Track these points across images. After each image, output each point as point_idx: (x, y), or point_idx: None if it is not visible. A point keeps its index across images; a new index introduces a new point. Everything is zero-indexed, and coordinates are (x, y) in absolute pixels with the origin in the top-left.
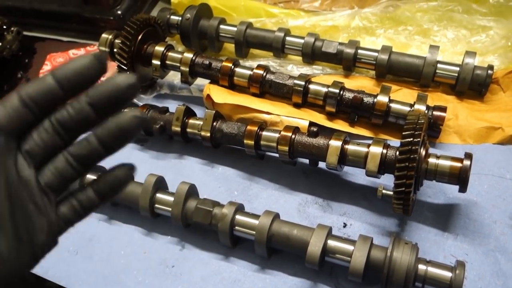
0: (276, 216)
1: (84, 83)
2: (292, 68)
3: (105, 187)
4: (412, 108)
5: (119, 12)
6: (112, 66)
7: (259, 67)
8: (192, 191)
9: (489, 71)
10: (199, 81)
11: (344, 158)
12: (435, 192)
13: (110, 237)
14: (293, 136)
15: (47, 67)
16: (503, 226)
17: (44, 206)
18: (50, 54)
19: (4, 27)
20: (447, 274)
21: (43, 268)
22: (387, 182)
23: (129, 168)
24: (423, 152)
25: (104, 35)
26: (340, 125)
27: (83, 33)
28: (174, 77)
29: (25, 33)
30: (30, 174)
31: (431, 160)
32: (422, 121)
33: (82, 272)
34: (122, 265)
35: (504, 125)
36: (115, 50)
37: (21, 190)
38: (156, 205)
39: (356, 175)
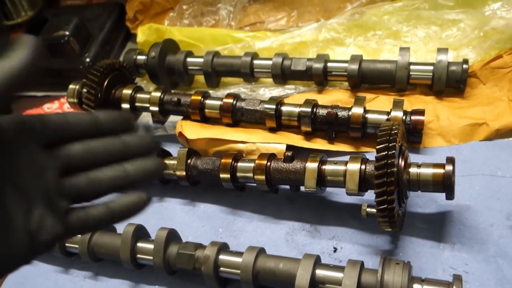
0: (261, 251)
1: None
2: (264, 91)
3: (118, 208)
4: (389, 116)
5: (87, 59)
6: None
7: (228, 96)
8: (172, 236)
9: (464, 66)
10: (174, 118)
11: (323, 179)
12: (425, 202)
13: None
14: (268, 164)
15: None
16: (501, 229)
17: (57, 207)
18: (25, 112)
19: None
20: None
21: None
22: (373, 197)
23: (146, 196)
24: (402, 163)
25: (71, 86)
26: (319, 144)
27: (56, 86)
28: (148, 117)
29: None
30: (53, 173)
31: (412, 170)
32: (396, 130)
33: None
34: None
35: (488, 120)
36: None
37: (41, 181)
38: (139, 256)
39: (342, 195)
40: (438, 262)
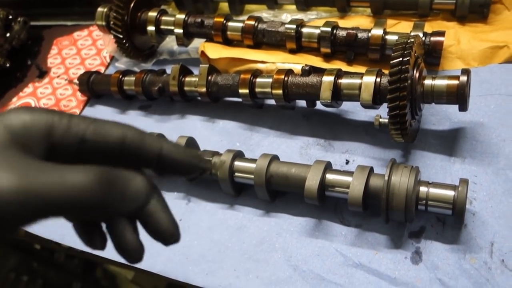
0: (274, 158)
1: None
2: (286, 17)
3: None
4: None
5: None
6: (112, 42)
7: (250, 18)
8: (191, 143)
9: None
10: (197, 43)
11: (338, 92)
12: (439, 119)
13: None
14: (286, 78)
15: (54, 51)
16: None
17: None
18: (57, 39)
19: (10, 17)
20: (450, 193)
21: (59, 235)
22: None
23: None
24: (416, 74)
25: (99, 9)
26: (338, 65)
27: (86, 15)
28: (173, 43)
29: (33, 23)
30: None
31: (427, 81)
32: (412, 40)
33: None
34: None
35: (509, 42)
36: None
37: None
38: None
39: (357, 113)
40: (447, 174)
